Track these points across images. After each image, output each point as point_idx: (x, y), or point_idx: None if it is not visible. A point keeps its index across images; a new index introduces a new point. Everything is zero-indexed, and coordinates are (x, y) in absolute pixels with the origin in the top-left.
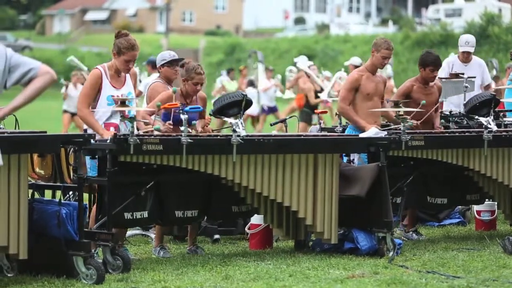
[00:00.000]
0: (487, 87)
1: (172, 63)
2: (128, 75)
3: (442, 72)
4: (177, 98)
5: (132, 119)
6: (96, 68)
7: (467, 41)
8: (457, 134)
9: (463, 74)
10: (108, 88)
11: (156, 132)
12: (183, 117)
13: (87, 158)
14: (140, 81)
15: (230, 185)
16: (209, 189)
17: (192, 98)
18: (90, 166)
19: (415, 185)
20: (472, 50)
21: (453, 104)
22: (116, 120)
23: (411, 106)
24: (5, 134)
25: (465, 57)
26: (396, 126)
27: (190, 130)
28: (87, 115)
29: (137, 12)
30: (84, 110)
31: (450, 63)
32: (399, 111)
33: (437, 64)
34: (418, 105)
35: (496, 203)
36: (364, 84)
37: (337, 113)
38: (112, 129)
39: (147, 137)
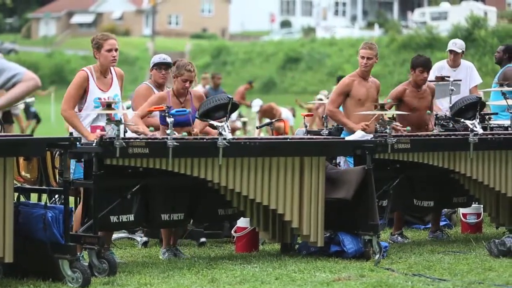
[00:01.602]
0: (474, 88)
1: (159, 66)
2: (115, 77)
3: (431, 76)
4: (169, 98)
5: (118, 122)
6: (83, 70)
7: (454, 42)
8: (443, 137)
9: (449, 77)
10: (95, 90)
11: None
12: (169, 120)
13: (71, 160)
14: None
15: (216, 188)
16: (195, 192)
17: (185, 97)
18: (75, 168)
19: (401, 188)
20: (458, 50)
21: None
22: (103, 122)
23: (403, 110)
24: None
25: (452, 58)
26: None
27: (182, 133)
28: (71, 116)
29: (123, 15)
30: (69, 111)
31: (439, 68)
32: (385, 115)
33: (426, 66)
34: (410, 109)
35: (482, 206)
36: (356, 89)
37: (323, 116)
38: (98, 131)
39: (133, 140)
